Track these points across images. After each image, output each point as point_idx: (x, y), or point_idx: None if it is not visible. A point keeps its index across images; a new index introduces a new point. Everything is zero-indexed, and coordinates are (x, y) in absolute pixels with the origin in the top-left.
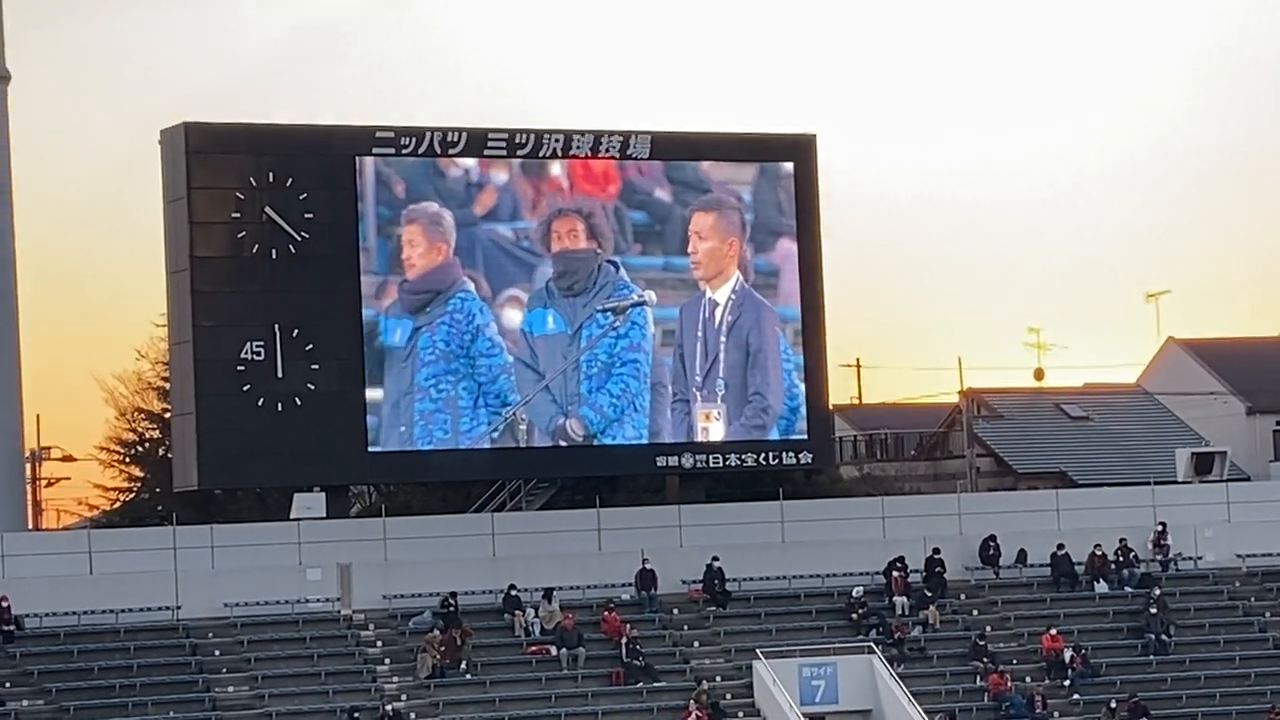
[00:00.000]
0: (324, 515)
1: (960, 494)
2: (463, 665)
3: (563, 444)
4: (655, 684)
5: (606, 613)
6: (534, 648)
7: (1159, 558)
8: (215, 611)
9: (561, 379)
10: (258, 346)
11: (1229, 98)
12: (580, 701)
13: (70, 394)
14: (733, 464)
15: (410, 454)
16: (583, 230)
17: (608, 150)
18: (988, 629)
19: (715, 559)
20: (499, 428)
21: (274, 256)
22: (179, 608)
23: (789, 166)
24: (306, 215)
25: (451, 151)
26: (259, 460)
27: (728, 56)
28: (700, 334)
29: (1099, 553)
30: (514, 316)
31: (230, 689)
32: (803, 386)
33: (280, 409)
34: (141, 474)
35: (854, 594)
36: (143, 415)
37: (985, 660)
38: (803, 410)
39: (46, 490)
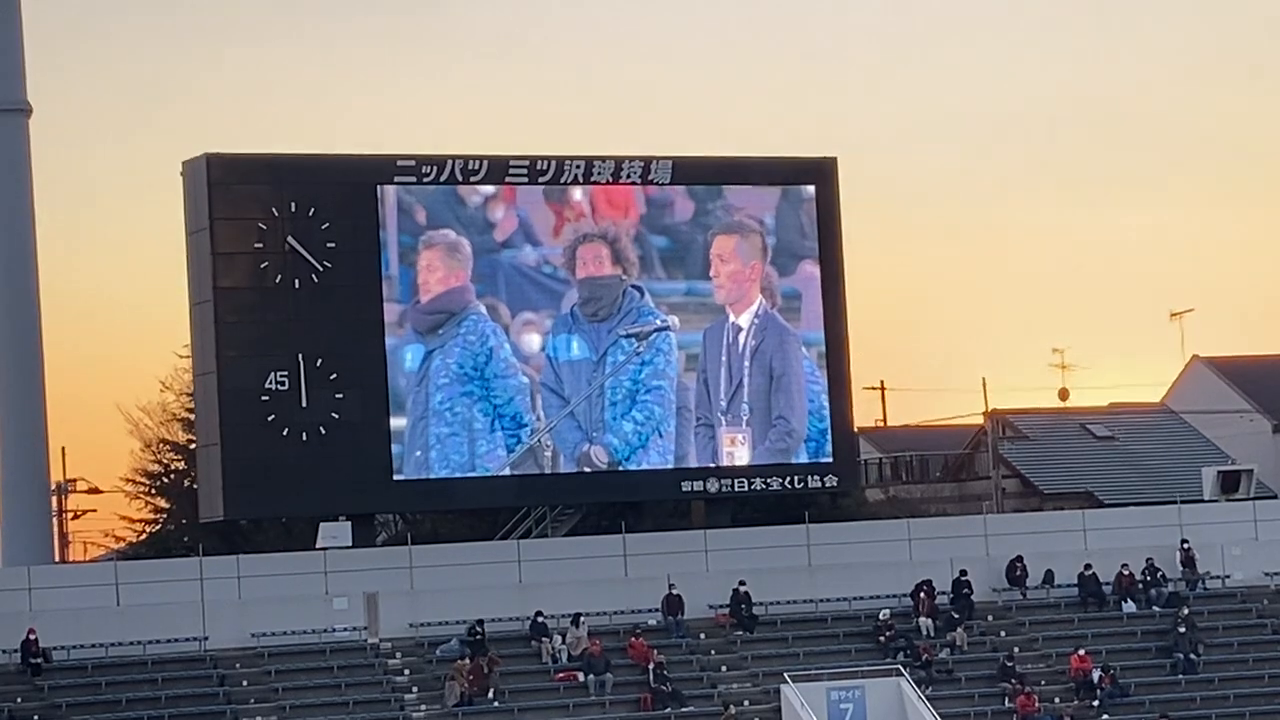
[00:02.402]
0: (350, 544)
1: (986, 515)
2: (490, 693)
3: (587, 470)
4: (683, 709)
5: (633, 638)
6: (561, 674)
7: (1187, 575)
8: (242, 642)
9: (586, 405)
10: (282, 376)
11: (1252, 114)
12: None
13: (95, 426)
14: (758, 488)
15: (435, 481)
16: (607, 256)
17: (629, 176)
18: (1015, 650)
19: (742, 583)
20: (519, 452)
21: (297, 286)
22: (206, 638)
23: (810, 189)
24: (329, 245)
25: (473, 179)
26: (285, 490)
27: (748, 80)
28: (724, 358)
29: (1126, 572)
30: (538, 342)
31: (258, 719)
32: (827, 409)
33: (305, 439)
34: (167, 505)
35: (881, 616)
36: (168, 446)
37: (1013, 681)
38: (828, 433)
39: (73, 522)
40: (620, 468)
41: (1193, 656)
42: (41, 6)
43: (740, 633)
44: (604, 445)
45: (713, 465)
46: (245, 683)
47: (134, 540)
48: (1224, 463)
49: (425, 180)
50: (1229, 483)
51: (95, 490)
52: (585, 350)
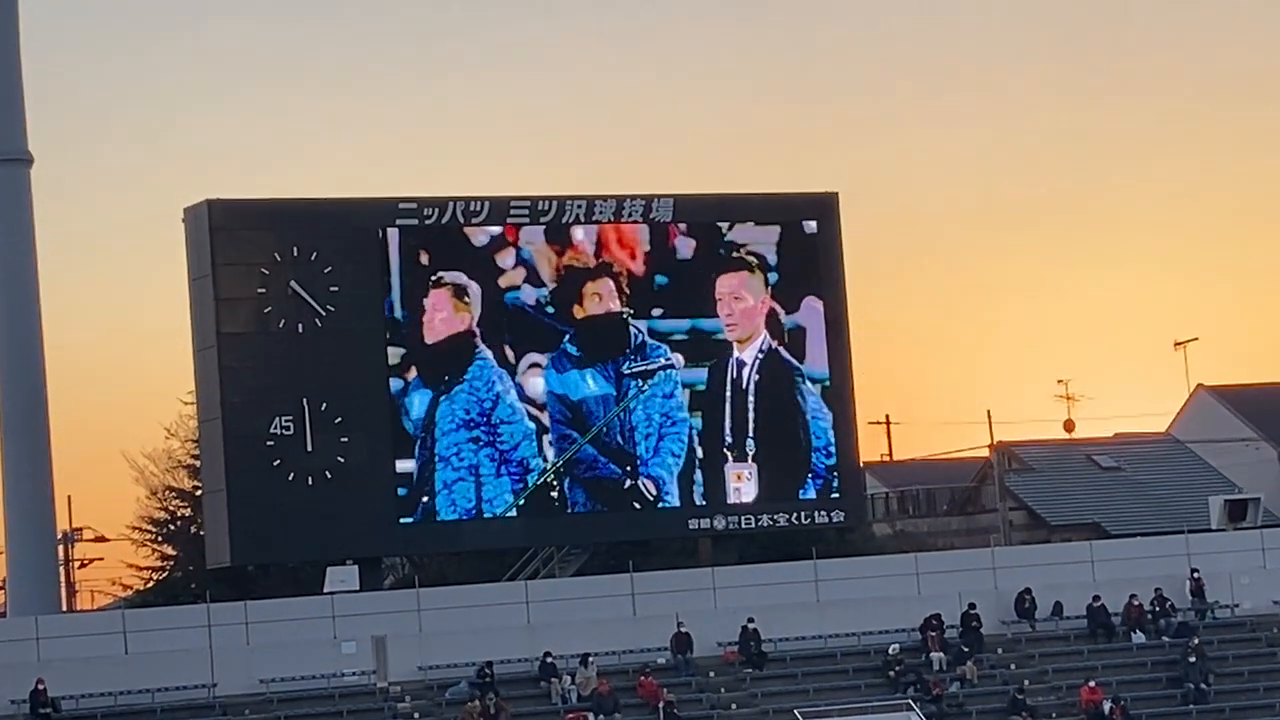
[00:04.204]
0: (357, 588)
1: (994, 548)
2: None
3: (637, 505)
4: None
5: (643, 677)
6: (571, 715)
7: (1196, 605)
8: (251, 688)
9: (609, 440)
10: (287, 421)
11: (1255, 142)
12: None
13: (101, 474)
14: (765, 524)
15: (442, 524)
16: (610, 294)
17: (631, 215)
18: (1026, 682)
19: (750, 620)
20: (526, 493)
21: (300, 330)
22: (215, 685)
23: (812, 225)
24: (332, 288)
25: (475, 220)
26: (291, 535)
27: (750, 117)
28: (729, 395)
29: (1135, 603)
30: (546, 382)
31: None
32: (833, 445)
33: (311, 483)
34: (174, 552)
35: (890, 651)
36: (174, 493)
37: (1024, 714)
38: (834, 468)
39: (80, 571)
40: (664, 501)
41: (1203, 686)
42: (42, 56)
43: (750, 670)
44: (652, 477)
45: (719, 502)
46: None
47: (141, 588)
48: (1230, 492)
49: (427, 222)
50: (1236, 512)
51: (102, 539)
52: (598, 388)
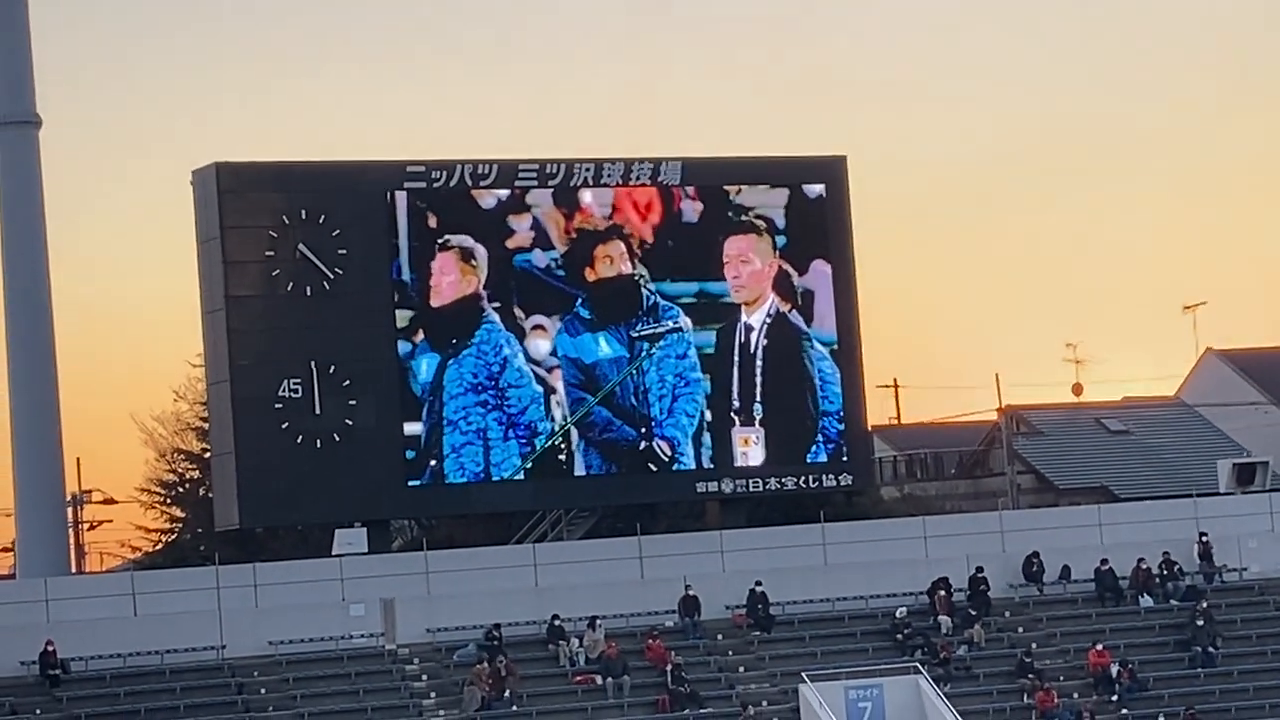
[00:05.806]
0: (366, 551)
1: (1002, 511)
2: (507, 694)
3: (652, 467)
4: (701, 710)
5: (650, 640)
6: (579, 677)
7: (1204, 568)
8: (260, 650)
9: (623, 402)
10: (295, 384)
11: (1265, 107)
12: None
13: (110, 437)
14: (773, 488)
15: (451, 486)
16: (617, 257)
17: (639, 178)
18: (1033, 646)
19: (758, 583)
20: (534, 456)
21: (309, 293)
22: (224, 647)
23: (820, 188)
24: (340, 251)
25: (483, 184)
26: (300, 497)
27: (758, 79)
28: (736, 358)
29: (1143, 566)
30: (555, 345)
31: None
32: (841, 408)
33: (319, 445)
34: (183, 515)
35: (898, 614)
36: (182, 456)
37: (1032, 677)
38: (842, 432)
39: (89, 533)
40: (679, 462)
41: (1211, 650)
42: (50, 18)
43: (757, 633)
44: (667, 439)
45: (727, 466)
46: (263, 691)
47: (150, 550)
48: (1239, 455)
49: (435, 185)
50: (1244, 475)
51: (111, 501)
52: (611, 350)
